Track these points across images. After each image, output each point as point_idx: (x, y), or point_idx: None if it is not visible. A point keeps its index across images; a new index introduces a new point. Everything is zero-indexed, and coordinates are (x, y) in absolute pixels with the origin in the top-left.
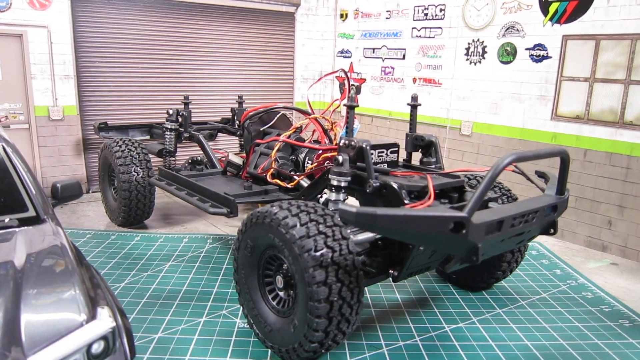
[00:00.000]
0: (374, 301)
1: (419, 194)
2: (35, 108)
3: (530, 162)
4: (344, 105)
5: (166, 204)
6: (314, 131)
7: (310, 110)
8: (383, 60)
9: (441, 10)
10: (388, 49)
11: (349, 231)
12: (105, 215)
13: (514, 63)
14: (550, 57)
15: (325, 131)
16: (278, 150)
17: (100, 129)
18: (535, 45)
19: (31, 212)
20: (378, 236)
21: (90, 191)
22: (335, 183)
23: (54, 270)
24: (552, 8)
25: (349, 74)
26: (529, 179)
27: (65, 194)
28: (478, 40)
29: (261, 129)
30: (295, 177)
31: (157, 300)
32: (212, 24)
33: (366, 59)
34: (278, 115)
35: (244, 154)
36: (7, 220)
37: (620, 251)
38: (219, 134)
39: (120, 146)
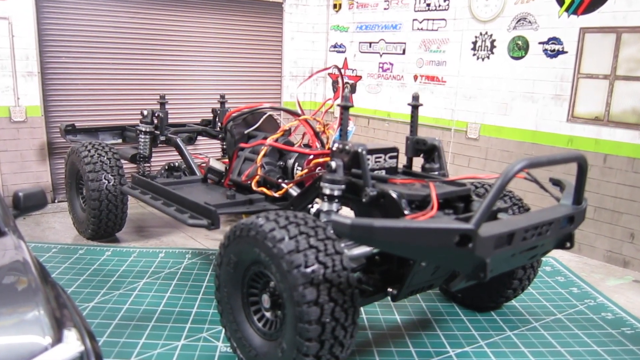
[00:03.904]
0: (371, 322)
1: (420, 204)
2: None
3: (544, 169)
4: (338, 105)
5: (140, 214)
6: (304, 134)
7: (300, 111)
8: (381, 56)
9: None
10: (386, 43)
11: (343, 245)
12: (72, 227)
13: (526, 58)
14: (566, 52)
15: (316, 134)
16: (264, 156)
17: (67, 131)
18: (549, 39)
19: None
20: (375, 250)
21: (56, 201)
22: (327, 192)
23: (16, 289)
24: None
25: (342, 70)
26: (542, 187)
27: (28, 203)
28: (486, 33)
29: (245, 132)
30: (283, 185)
31: (130, 321)
32: (192, 16)
33: (362, 54)
34: (264, 117)
35: (227, 160)
36: None
37: None
38: (199, 138)
39: (89, 151)
